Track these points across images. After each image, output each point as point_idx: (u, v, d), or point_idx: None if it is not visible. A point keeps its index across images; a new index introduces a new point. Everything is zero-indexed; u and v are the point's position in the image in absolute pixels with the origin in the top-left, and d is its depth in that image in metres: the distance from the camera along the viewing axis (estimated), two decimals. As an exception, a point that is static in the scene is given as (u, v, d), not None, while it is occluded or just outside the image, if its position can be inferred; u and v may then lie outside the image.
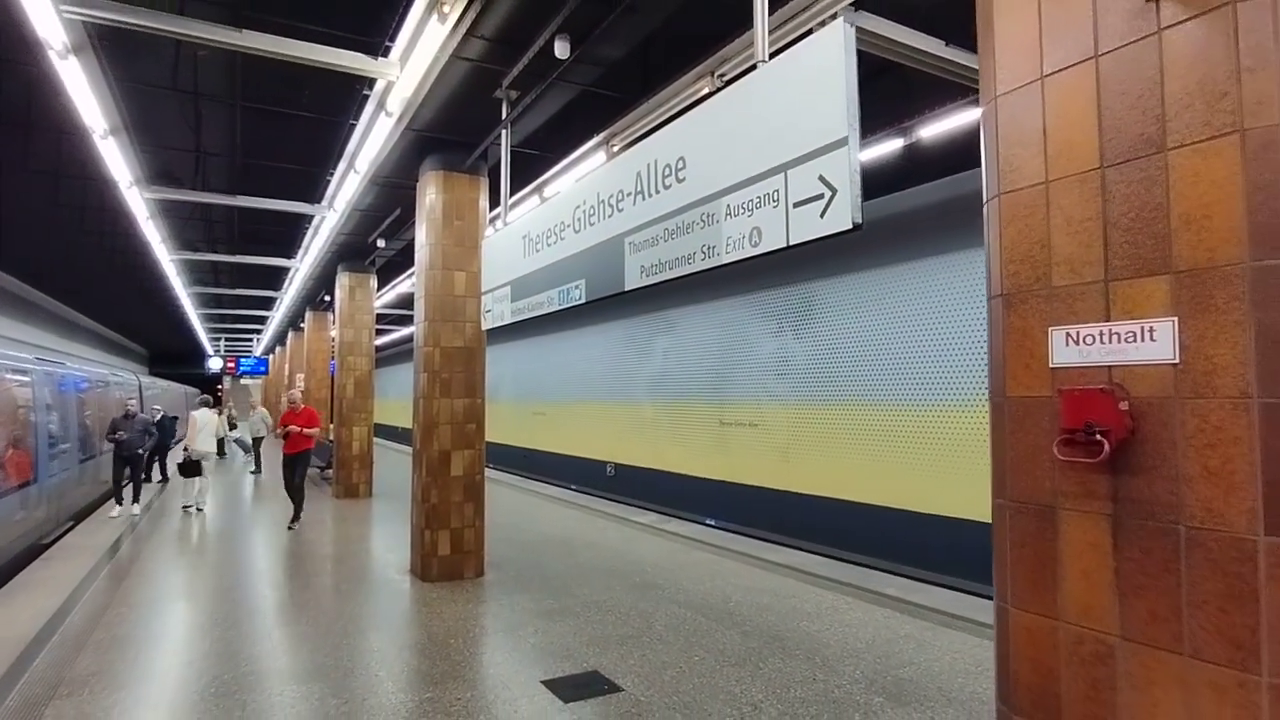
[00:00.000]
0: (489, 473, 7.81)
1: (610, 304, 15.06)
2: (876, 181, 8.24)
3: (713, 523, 10.78)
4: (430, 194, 7.05)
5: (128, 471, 10.31)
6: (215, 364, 27.39)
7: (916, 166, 7.76)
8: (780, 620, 5.60)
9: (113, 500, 10.19)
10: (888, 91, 6.05)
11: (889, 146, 7.06)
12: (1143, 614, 1.52)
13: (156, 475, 14.05)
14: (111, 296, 20.34)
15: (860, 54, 3.64)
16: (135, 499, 10.37)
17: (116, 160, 6.93)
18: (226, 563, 7.74)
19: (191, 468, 10.58)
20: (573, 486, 14.23)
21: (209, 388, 25.85)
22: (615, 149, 6.28)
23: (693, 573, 7.08)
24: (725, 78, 4.82)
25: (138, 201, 8.53)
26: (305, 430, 9.66)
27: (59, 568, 7.35)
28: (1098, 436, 1.53)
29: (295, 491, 9.69)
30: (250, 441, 17.13)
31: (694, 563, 7.52)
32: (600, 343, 16.53)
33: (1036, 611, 1.71)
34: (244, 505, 11.99)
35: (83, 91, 5.34)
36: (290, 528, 9.48)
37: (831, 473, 10.50)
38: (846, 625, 5.48)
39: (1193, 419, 1.46)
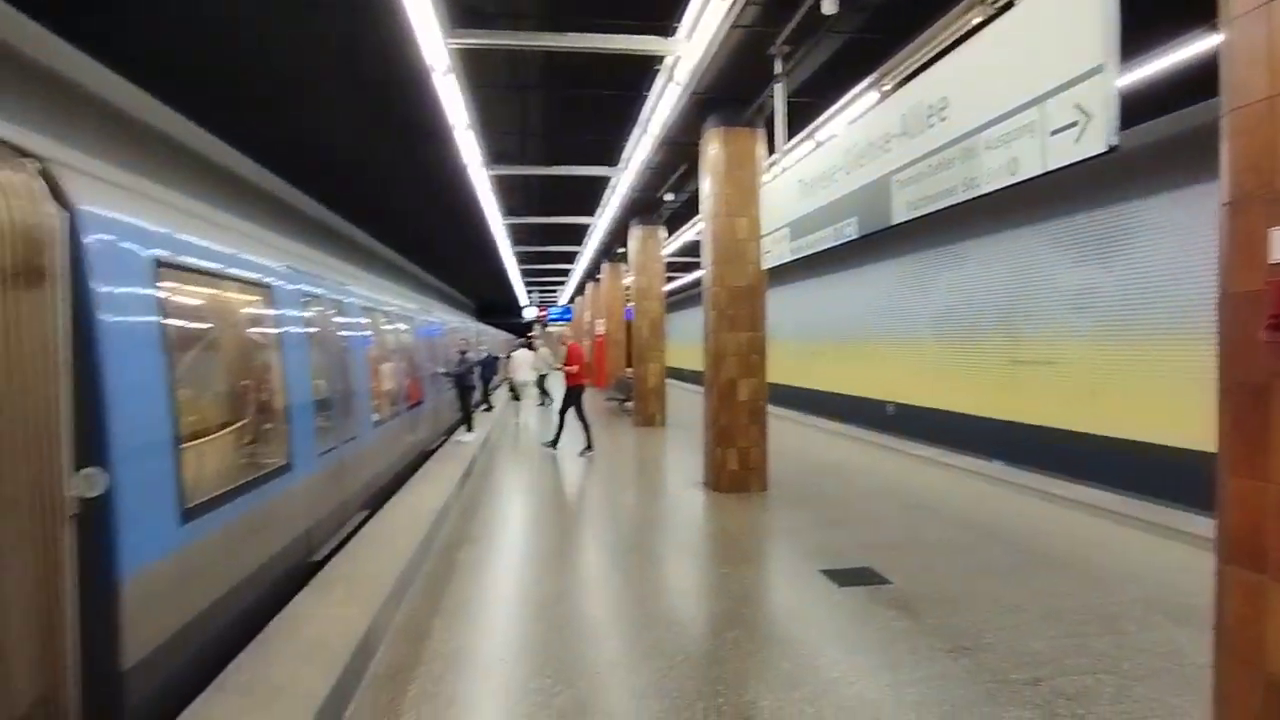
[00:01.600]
0: (770, 409, 8.48)
1: (890, 240, 14.88)
2: (1194, 89, 7.29)
3: (1001, 464, 10.49)
4: (712, 149, 7.85)
5: (474, 400, 12.82)
6: (530, 313, 31.76)
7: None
8: (1057, 544, 5.65)
9: (464, 428, 12.70)
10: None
11: (1197, 49, 6.27)
12: (1341, 472, 1.75)
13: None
14: (454, 258, 24.65)
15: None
16: (468, 426, 12.68)
17: (471, 148, 8.75)
18: (553, 472, 9.54)
19: (515, 393, 13.12)
20: (852, 425, 14.51)
21: (523, 333, 30.13)
22: (887, 87, 6.46)
23: (968, 499, 7.23)
24: (997, 4, 4.83)
25: (482, 179, 10.56)
26: (565, 367, 10.89)
27: (443, 467, 9.69)
28: (1299, 320, 1.77)
29: (580, 421, 10.75)
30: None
31: (970, 491, 7.62)
32: (880, 280, 16.36)
33: (1249, 476, 1.98)
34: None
35: (453, 99, 6.95)
36: (582, 454, 10.59)
37: (1141, 413, 9.61)
38: (1133, 555, 5.38)
39: (1396, 301, 1.65)
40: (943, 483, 8.09)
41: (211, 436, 3.95)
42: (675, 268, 23.76)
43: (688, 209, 13.11)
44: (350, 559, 5.26)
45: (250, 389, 4.64)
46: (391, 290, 11.01)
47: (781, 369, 19.56)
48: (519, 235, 19.25)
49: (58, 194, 2.79)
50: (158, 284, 3.39)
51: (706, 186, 8.07)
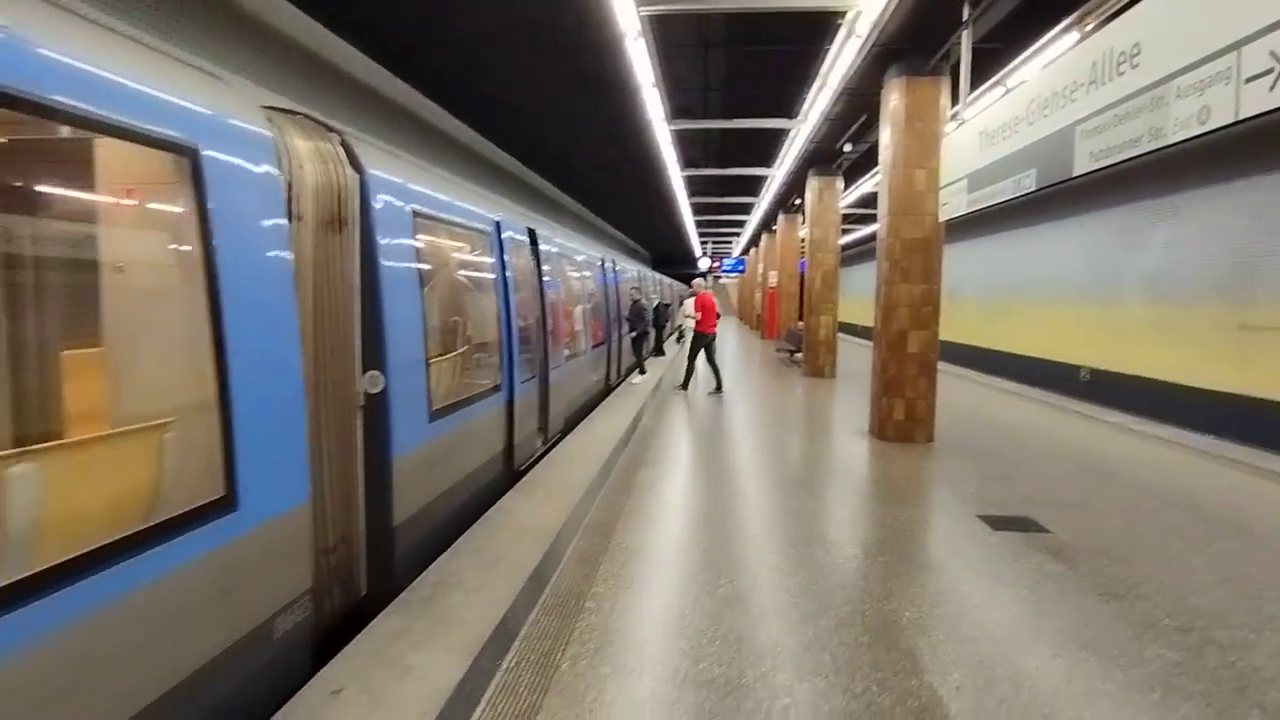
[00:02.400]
0: (949, 368, 8.39)
1: (1093, 193, 13.75)
2: None
3: (1213, 439, 9.61)
4: (893, 99, 7.79)
5: (646, 347, 13.70)
6: (703, 264, 32.31)
7: None
8: (1255, 519, 5.35)
9: (637, 370, 13.62)
10: None
11: None
12: None
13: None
14: (634, 211, 25.61)
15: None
16: (641, 369, 13.57)
17: (655, 105, 9.27)
18: (719, 412, 10.08)
19: (680, 338, 13.93)
20: (1040, 389, 13.71)
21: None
22: (1089, 27, 6.13)
23: (1161, 469, 6.89)
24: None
25: (664, 134, 11.08)
26: (693, 314, 12.02)
27: (622, 402, 10.55)
28: None
29: (690, 364, 12.12)
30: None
31: (1166, 461, 7.23)
32: (1080, 236, 15.08)
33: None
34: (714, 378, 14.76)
35: (642, 60, 7.46)
36: (711, 392, 11.70)
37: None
38: (1347, 532, 5.00)
39: None
40: (1135, 451, 7.69)
41: (448, 356, 4.87)
42: (851, 220, 23.17)
43: (865, 161, 12.88)
44: (547, 470, 6.15)
45: (473, 320, 5.56)
46: (579, 240, 11.92)
47: (964, 328, 18.69)
48: (696, 187, 19.69)
49: (353, 160, 3.63)
50: (415, 232, 4.25)
51: (886, 137, 8.04)
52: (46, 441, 2.18)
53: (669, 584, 3.95)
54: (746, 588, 3.89)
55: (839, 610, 3.62)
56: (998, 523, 5.10)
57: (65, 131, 2.28)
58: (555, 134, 13.46)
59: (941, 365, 8.08)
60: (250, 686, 2.65)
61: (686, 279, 38.55)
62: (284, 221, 2.91)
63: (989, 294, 19.25)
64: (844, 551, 4.53)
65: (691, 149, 14.56)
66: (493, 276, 5.91)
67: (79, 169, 2.45)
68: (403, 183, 4.18)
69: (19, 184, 2.57)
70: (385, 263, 3.79)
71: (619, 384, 12.84)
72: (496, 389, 5.74)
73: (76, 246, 2.40)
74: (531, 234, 7.31)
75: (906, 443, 7.81)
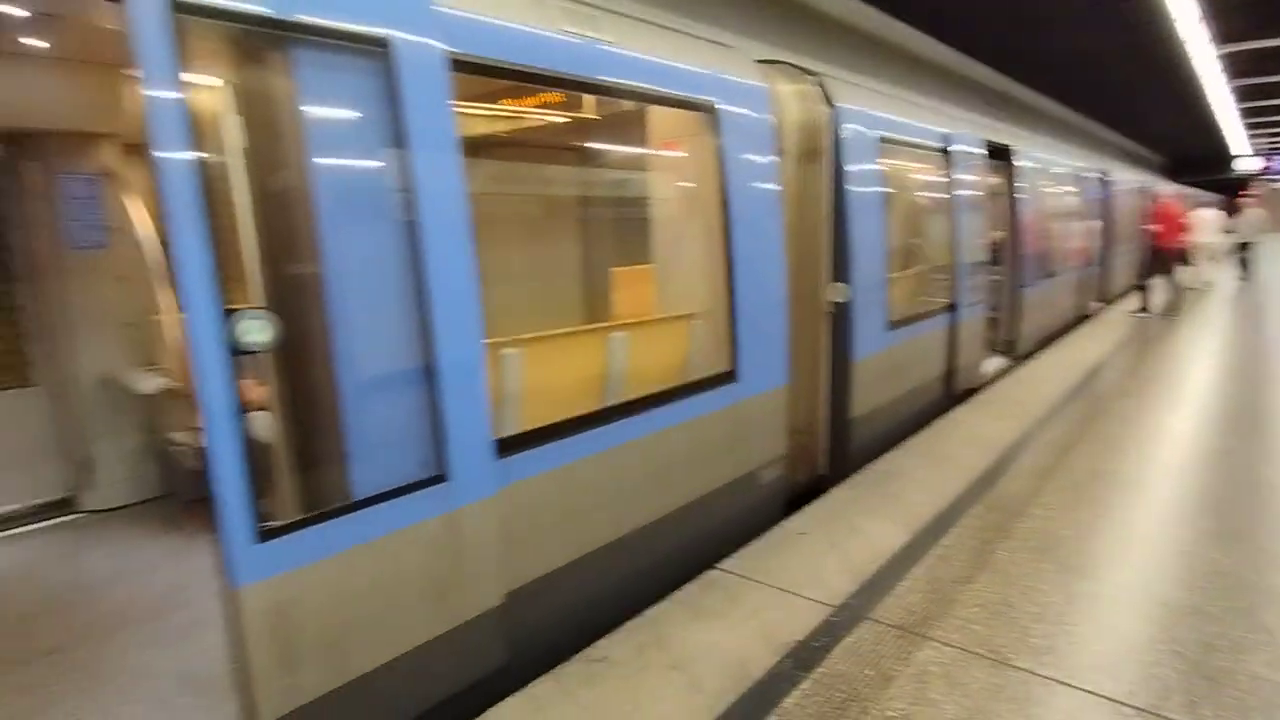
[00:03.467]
0: None
1: None
2: None
3: None
4: None
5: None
6: (1245, 165, 25.21)
7: None
8: None
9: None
10: None
11: None
12: None
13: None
14: (1138, 110, 21.16)
15: None
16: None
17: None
18: (1244, 344, 8.21)
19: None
20: None
21: (1233, 192, 24.23)
22: None
23: None
24: None
25: (1185, 6, 9.03)
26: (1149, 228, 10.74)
27: (1104, 330, 9.33)
28: None
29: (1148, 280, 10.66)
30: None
31: None
32: None
33: None
34: (1233, 302, 11.70)
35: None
36: (1139, 313, 10.28)
37: None
38: None
39: None
40: None
41: (901, 275, 5.19)
42: None
43: None
44: (1000, 391, 6.09)
45: (924, 241, 5.75)
46: (1055, 150, 10.65)
47: None
48: (1237, 66, 15.45)
49: (827, 98, 4.15)
50: (879, 158, 4.62)
51: None
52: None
53: (1133, 507, 3.75)
54: (1240, 526, 3.47)
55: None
56: None
57: (632, 105, 3.29)
58: (1040, 36, 11.98)
59: None
60: (743, 514, 3.55)
61: (1217, 187, 30.58)
62: (775, 158, 3.60)
63: None
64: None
65: (1230, 19, 11.53)
66: (947, 196, 5.90)
67: (639, 131, 3.50)
68: (869, 112, 4.57)
69: (607, 147, 3.77)
70: (851, 187, 4.26)
71: (1100, 309, 11.35)
72: (943, 310, 5.78)
73: (650, 187, 3.48)
74: (993, 148, 6.96)
75: None
